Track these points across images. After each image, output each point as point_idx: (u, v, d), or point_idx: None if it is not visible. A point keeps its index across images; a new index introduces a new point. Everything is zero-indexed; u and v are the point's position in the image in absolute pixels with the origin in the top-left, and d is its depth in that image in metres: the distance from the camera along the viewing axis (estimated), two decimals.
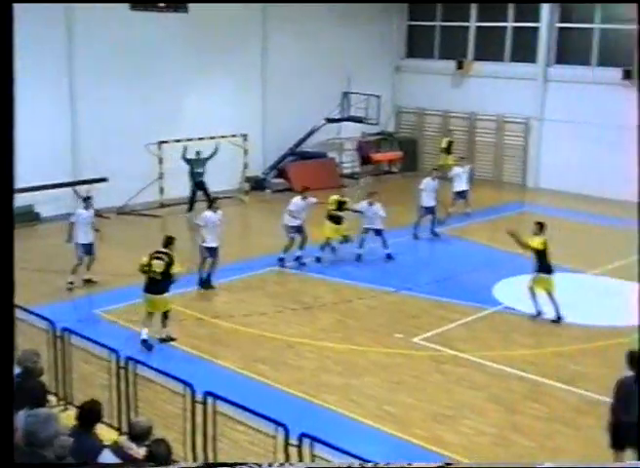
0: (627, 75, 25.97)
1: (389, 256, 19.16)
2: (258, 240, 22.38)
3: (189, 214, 23.22)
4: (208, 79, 25.55)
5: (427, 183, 21.31)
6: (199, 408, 9.24)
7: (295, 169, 27.61)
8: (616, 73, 26.17)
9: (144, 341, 13.58)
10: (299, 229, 18.85)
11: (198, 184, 23.80)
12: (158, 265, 13.67)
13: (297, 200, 19.16)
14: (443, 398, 12.17)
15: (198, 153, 23.70)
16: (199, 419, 9.28)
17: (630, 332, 14.58)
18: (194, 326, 15.03)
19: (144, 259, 13.80)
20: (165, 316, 13.98)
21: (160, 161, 24.08)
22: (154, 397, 10.26)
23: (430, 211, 21.28)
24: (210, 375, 12.47)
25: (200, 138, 24.27)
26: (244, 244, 21.90)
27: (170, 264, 13.67)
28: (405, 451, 10.47)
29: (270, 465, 8.07)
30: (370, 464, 7.04)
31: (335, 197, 19.69)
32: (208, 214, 17.05)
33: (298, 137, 27.76)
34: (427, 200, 21.17)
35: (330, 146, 29.67)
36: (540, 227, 15.54)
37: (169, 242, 14.03)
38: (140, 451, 6.91)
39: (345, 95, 28.83)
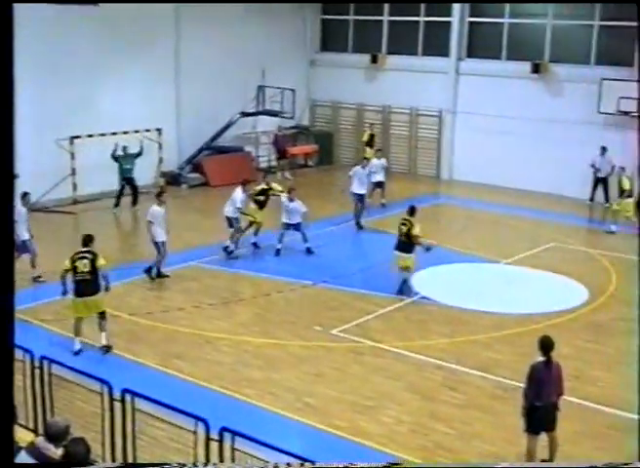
0: (536, 69, 26.60)
1: (309, 250, 19.22)
2: (174, 235, 22.11)
3: (116, 209, 23.19)
4: (121, 74, 25.11)
5: (356, 171, 21.93)
6: (117, 406, 9.11)
7: (210, 163, 27.42)
8: (525, 67, 26.77)
9: (77, 353, 13.18)
10: (362, 197, 20.80)
11: (127, 180, 23.54)
12: (84, 265, 13.23)
13: (239, 191, 19.22)
14: (363, 388, 12.28)
15: (125, 148, 23.51)
16: (118, 418, 9.15)
17: (541, 320, 15.09)
18: (110, 323, 14.68)
19: (67, 263, 13.34)
20: (102, 317, 13.49)
21: (72, 157, 23.61)
22: (71, 397, 10.07)
23: (359, 198, 21.73)
24: (127, 373, 12.31)
25: (113, 133, 23.91)
26: None
27: (94, 261, 13.29)
28: (326, 443, 10.54)
29: (195, 465, 8.04)
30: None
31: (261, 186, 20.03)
32: (156, 209, 17.07)
33: (213, 132, 27.57)
34: (358, 187, 21.73)
35: (246, 140, 29.57)
36: (412, 211, 16.58)
37: (88, 240, 13.64)
38: (57, 452, 6.78)
39: (261, 88, 28.75)
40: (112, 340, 13.85)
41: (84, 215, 22.90)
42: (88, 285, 13.24)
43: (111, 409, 9.14)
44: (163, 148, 26.11)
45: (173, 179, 26.52)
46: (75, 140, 23.49)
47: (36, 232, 20.75)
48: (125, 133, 24.23)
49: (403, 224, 16.36)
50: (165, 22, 26.38)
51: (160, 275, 17.31)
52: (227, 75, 27.95)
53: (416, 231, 16.13)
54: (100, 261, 13.36)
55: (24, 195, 17.07)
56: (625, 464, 8.07)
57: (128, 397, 8.98)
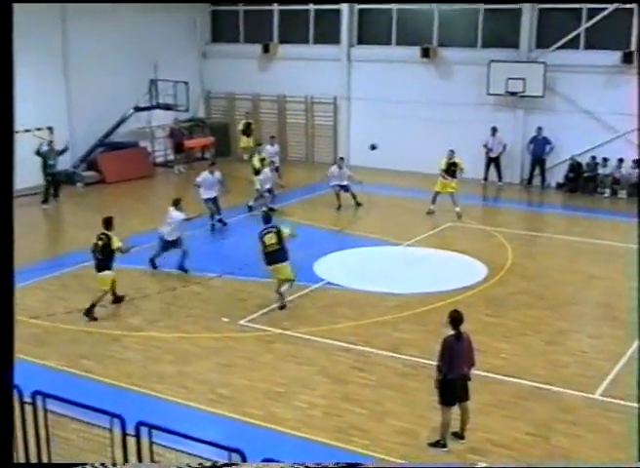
0: (425, 53, 27.11)
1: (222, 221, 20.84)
2: (71, 235, 21.70)
3: (46, 205, 23.39)
4: None
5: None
6: (28, 409, 8.92)
7: (106, 160, 26.97)
8: (415, 51, 27.26)
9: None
10: (214, 200, 20.77)
11: (51, 175, 23.75)
12: (96, 245, 14.98)
13: (205, 174, 20.74)
14: (275, 376, 12.37)
15: (50, 143, 23.79)
16: (29, 421, 8.96)
17: (444, 297, 15.48)
18: None
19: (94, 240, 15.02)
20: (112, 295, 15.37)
21: None
22: None
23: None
24: (34, 376, 11.99)
25: None
26: (57, 240, 21.26)
27: (108, 243, 14.82)
28: (241, 431, 10.57)
29: (114, 465, 7.96)
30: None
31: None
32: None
33: (107, 128, 27.10)
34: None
35: (141, 135, 29.18)
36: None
37: (107, 223, 15.20)
38: None
39: (153, 82, 28.36)
40: (16, 345, 13.50)
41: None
42: (99, 263, 14.98)
43: (22, 413, 8.92)
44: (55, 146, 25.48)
45: (67, 178, 25.88)
46: None
47: None
48: (15, 132, 23.53)
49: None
50: (50, 16, 25.70)
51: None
52: (119, 70, 27.49)
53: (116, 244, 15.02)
54: (115, 244, 14.87)
55: None
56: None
57: (39, 399, 8.80)
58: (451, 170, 22.02)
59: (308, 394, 11.73)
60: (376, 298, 15.81)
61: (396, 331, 14.18)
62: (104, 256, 14.91)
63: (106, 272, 15.02)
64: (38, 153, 23.38)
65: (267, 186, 22.39)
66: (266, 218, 15.81)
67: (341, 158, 24.46)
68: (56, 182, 23.93)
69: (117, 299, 15.61)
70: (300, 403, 11.46)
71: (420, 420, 10.87)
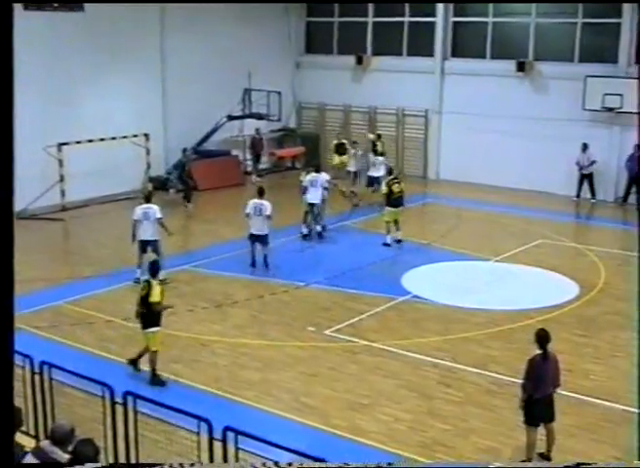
0: (521, 67, 26.78)
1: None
2: (166, 240, 22.15)
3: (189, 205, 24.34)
4: (107, 79, 25.11)
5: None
6: (119, 409, 9.15)
7: (198, 167, 27.39)
8: (510, 65, 26.93)
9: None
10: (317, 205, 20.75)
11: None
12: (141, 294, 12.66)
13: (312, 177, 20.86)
14: (359, 387, 12.36)
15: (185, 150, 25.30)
16: (119, 422, 9.18)
17: (533, 315, 15.23)
18: (104, 328, 14.83)
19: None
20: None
21: (60, 163, 23.58)
22: (70, 402, 10.10)
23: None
24: (125, 377, 12.34)
25: (102, 139, 23.95)
26: None
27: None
28: (324, 442, 10.60)
29: (192, 465, 8.09)
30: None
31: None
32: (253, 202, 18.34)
33: (200, 136, 27.60)
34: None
35: (233, 144, 29.61)
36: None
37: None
38: (63, 455, 6.83)
39: (247, 91, 28.79)
40: (106, 345, 13.92)
41: (72, 222, 22.87)
42: (143, 316, 12.56)
43: (113, 413, 9.17)
44: (151, 153, 26.10)
45: (160, 184, 26.46)
46: (63, 147, 23.47)
47: (25, 240, 20.85)
48: (113, 138, 24.26)
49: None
50: (150, 26, 26.38)
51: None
52: (214, 79, 27.97)
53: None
54: (154, 297, 12.42)
55: None
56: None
57: (130, 400, 9.02)
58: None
59: (393, 407, 11.69)
60: (463, 314, 15.66)
61: (483, 347, 14.01)
62: (147, 310, 12.46)
63: (154, 329, 12.49)
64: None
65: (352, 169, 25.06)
66: (390, 171, 21.32)
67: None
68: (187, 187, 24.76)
69: (135, 361, 12.87)
70: (385, 416, 11.43)
71: (505, 439, 10.71)
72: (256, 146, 29.36)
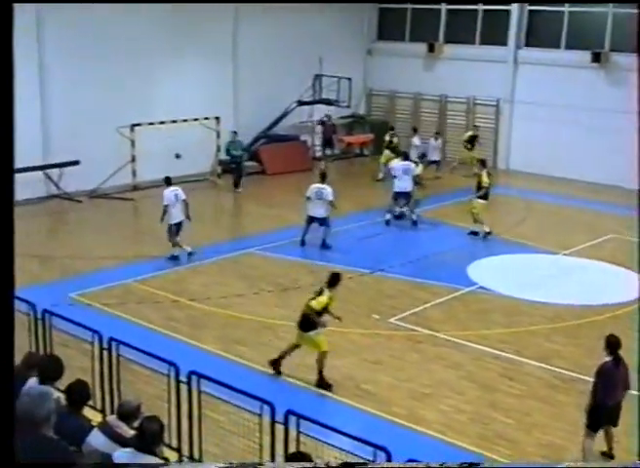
0: (596, 58, 26.23)
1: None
2: (230, 223, 22.42)
3: (237, 189, 24.69)
4: (180, 62, 25.40)
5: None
6: (183, 388, 9.28)
7: (267, 151, 27.60)
8: (584, 56, 26.42)
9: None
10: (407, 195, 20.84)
11: (236, 164, 25.03)
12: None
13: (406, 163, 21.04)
14: (421, 377, 12.33)
15: (235, 134, 25.31)
16: (183, 401, 9.32)
17: (600, 311, 14.97)
18: (170, 308, 15.05)
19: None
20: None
21: (132, 144, 23.96)
22: (135, 379, 10.30)
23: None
24: (190, 357, 12.49)
25: (173, 121, 24.25)
26: (217, 227, 21.93)
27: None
28: (384, 429, 10.59)
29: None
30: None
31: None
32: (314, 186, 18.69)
33: (270, 120, 27.72)
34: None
35: (302, 129, 29.67)
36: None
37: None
38: (128, 431, 6.97)
39: (317, 77, 28.81)
40: (172, 324, 14.13)
41: (142, 202, 23.23)
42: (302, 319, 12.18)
43: (177, 392, 9.31)
44: (221, 136, 26.33)
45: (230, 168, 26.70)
46: (135, 128, 23.83)
47: (97, 218, 21.30)
48: (184, 121, 24.54)
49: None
50: (224, 12, 26.54)
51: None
52: (285, 64, 28.07)
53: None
54: (317, 305, 12.04)
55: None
56: None
57: (194, 379, 9.15)
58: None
59: (455, 398, 11.63)
60: (529, 307, 15.48)
61: (548, 341, 13.84)
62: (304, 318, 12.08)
63: (314, 331, 12.10)
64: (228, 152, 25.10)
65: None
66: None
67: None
68: (239, 172, 24.90)
69: (276, 363, 12.36)
70: (446, 406, 11.38)
71: (567, 435, 10.56)
72: (326, 132, 29.38)
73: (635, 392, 10.50)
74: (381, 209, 21.55)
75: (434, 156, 26.97)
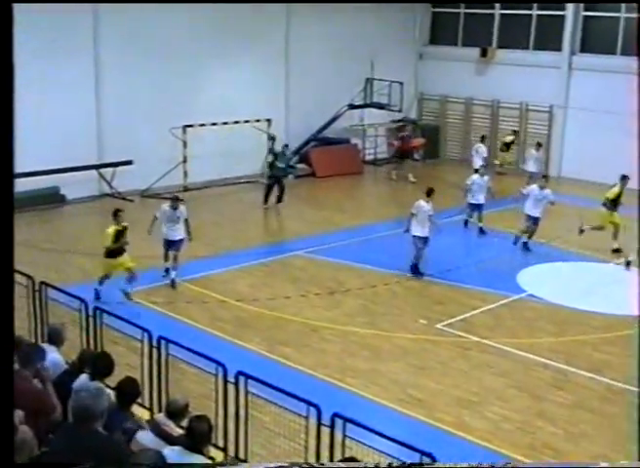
0: None
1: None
2: (281, 225, 22.48)
3: (266, 205, 22.80)
4: (232, 64, 25.57)
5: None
6: (230, 388, 9.32)
7: (317, 154, 27.65)
8: None
9: None
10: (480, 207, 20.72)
11: (275, 177, 23.06)
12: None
13: (476, 178, 20.85)
14: (468, 384, 12.24)
15: (286, 146, 23.93)
16: (230, 401, 9.36)
17: None
18: (217, 308, 15.14)
19: None
20: None
21: (184, 145, 24.18)
22: (183, 378, 10.38)
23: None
24: (235, 357, 12.53)
25: (225, 123, 24.40)
26: (267, 229, 22.03)
27: None
28: (430, 435, 10.52)
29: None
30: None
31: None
32: (422, 203, 16.97)
33: (320, 123, 27.77)
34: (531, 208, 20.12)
35: (353, 132, 29.67)
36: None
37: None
38: (176, 429, 7.02)
39: (368, 81, 28.81)
40: (219, 325, 14.22)
41: (193, 203, 23.33)
42: None
43: (225, 391, 9.36)
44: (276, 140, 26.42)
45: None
46: (188, 129, 24.04)
47: (147, 217, 21.47)
48: (235, 122, 24.69)
49: None
50: (277, 15, 26.68)
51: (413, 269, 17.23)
52: (336, 66, 28.10)
53: None
54: None
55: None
56: None
57: (241, 380, 9.19)
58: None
59: (502, 406, 11.52)
60: (579, 316, 15.27)
61: (598, 351, 13.64)
62: None
63: None
64: (272, 152, 23.77)
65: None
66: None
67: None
68: (280, 185, 22.96)
69: None
70: (493, 414, 11.27)
71: (617, 447, 10.40)
72: (404, 142, 27.89)
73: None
74: (436, 213, 21.42)
75: (533, 168, 25.90)
